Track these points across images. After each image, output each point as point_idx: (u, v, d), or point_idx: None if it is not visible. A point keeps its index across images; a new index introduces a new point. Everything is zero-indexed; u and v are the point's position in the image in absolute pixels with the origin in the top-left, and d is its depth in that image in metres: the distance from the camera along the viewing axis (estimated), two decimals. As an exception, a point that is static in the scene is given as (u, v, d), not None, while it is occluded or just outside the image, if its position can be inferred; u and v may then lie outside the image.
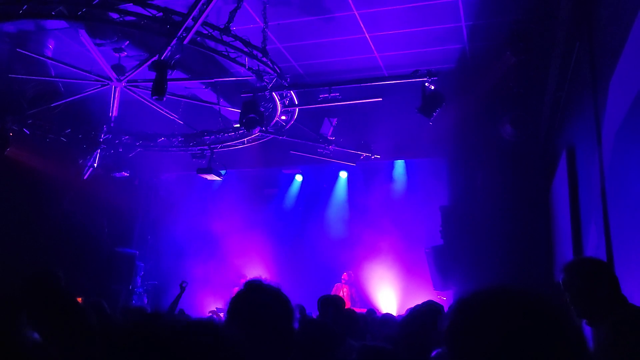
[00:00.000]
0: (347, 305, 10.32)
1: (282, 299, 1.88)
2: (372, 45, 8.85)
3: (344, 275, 11.35)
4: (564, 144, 6.89)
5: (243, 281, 11.64)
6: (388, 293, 11.48)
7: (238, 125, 8.81)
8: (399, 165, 12.13)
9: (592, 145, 5.05)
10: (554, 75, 6.67)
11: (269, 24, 7.45)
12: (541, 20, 6.93)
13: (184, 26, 5.91)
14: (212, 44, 6.94)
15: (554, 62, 6.41)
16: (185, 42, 6.13)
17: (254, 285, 1.94)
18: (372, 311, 8.72)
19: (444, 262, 9.05)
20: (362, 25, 8.18)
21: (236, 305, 1.87)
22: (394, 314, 10.88)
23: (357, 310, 10.30)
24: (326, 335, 2.76)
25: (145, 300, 12.20)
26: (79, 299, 8.83)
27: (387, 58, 9.29)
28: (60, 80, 8.80)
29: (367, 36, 8.54)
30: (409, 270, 11.15)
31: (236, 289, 11.44)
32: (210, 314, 11.08)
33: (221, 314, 10.92)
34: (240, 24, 7.22)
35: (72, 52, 8.67)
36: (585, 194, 5.74)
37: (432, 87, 7.32)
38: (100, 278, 10.86)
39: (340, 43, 8.82)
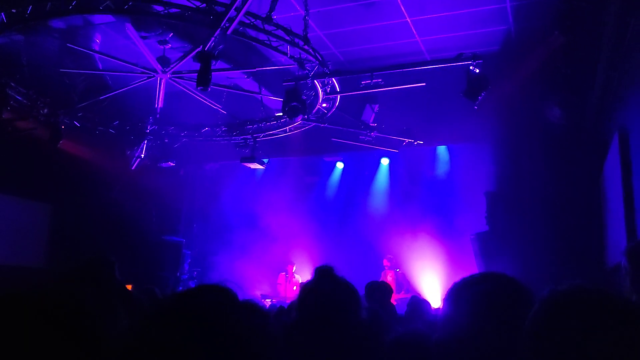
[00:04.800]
0: (394, 291, 10.30)
1: (351, 289, 1.89)
2: (413, 30, 8.72)
3: (385, 261, 11.32)
4: (616, 127, 6.63)
5: (289, 267, 11.80)
6: (432, 280, 11.39)
7: (280, 113, 8.86)
8: (442, 150, 11.95)
9: (647, 126, 4.85)
10: (605, 54, 6.41)
11: (309, 11, 7.43)
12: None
13: (227, 16, 5.97)
14: (253, 33, 6.98)
15: (606, 41, 6.16)
16: (228, 32, 6.19)
17: (324, 274, 1.95)
18: (416, 298, 8.67)
19: (489, 249, 8.90)
20: (403, 9, 8.07)
21: (308, 292, 1.89)
22: (439, 300, 10.82)
23: (405, 296, 10.31)
24: (374, 322, 2.77)
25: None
26: (130, 286, 9.09)
27: (429, 42, 9.14)
28: (108, 73, 9.05)
29: (409, 20, 8.42)
30: (453, 257, 11.01)
31: (281, 275, 11.54)
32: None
33: (267, 301, 11.08)
34: (281, 13, 7.23)
35: (118, 45, 8.89)
36: (640, 177, 5.53)
37: (477, 71, 7.16)
38: (149, 265, 11.19)
39: (381, 28, 8.73)
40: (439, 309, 7.38)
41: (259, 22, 6.58)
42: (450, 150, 11.89)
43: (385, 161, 12.67)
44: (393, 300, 9.27)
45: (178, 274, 12.15)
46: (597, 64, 6.97)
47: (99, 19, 8.05)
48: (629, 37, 5.62)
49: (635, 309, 1.06)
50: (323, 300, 1.82)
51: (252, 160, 10.38)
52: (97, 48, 8.71)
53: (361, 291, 4.94)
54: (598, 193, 8.08)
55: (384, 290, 4.92)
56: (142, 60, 8.37)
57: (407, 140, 10.45)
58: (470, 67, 7.18)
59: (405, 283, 11.35)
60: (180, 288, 12.07)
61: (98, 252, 3.81)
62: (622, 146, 6.12)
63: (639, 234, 5.64)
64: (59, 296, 1.14)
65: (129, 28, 7.20)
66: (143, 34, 7.56)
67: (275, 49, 7.02)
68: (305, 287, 1.92)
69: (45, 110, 9.50)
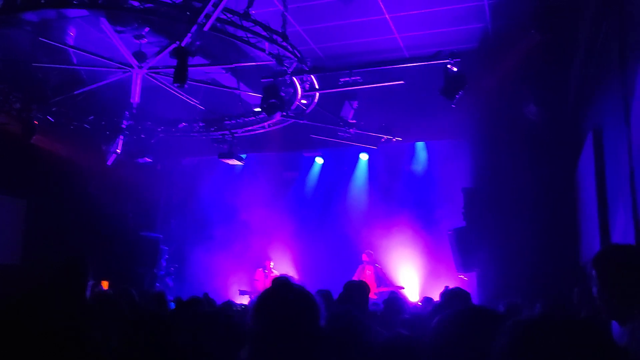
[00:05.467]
0: (373, 286, 10.37)
1: (308, 298, 1.90)
2: (392, 26, 8.73)
3: (364, 256, 11.37)
4: (590, 125, 6.74)
5: (267, 263, 11.77)
6: (411, 275, 11.49)
7: (259, 109, 8.80)
8: (420, 147, 12.04)
9: (620, 125, 4.93)
10: (580, 53, 6.51)
11: (288, 6, 7.38)
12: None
13: (204, 12, 5.89)
14: (231, 29, 6.90)
15: (581, 40, 6.26)
16: (205, 28, 6.11)
17: (281, 283, 1.96)
18: (394, 294, 8.72)
19: (466, 244, 9.00)
20: (382, 5, 8.06)
21: (263, 302, 1.90)
22: (417, 295, 10.92)
23: (385, 289, 10.39)
24: (352, 324, 2.78)
25: (171, 284, 12.41)
26: (106, 282, 8.93)
27: (408, 39, 9.16)
28: (83, 68, 8.88)
29: (388, 17, 8.41)
30: (431, 253, 11.13)
31: (259, 270, 11.51)
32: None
33: (244, 298, 11.06)
34: (260, 8, 7.16)
35: (93, 39, 8.71)
36: (613, 175, 5.63)
37: (455, 69, 7.20)
38: (126, 262, 11.06)
39: (360, 24, 8.71)
40: (416, 304, 7.39)
41: (236, 19, 6.51)
42: (428, 147, 11.99)
43: (364, 157, 12.71)
44: (373, 295, 9.36)
45: (155, 270, 12.03)
46: (572, 63, 7.07)
47: (73, 12, 7.86)
48: (602, 37, 5.71)
49: (600, 338, 1.08)
50: (276, 310, 1.84)
51: (230, 156, 10.31)
52: (71, 42, 8.52)
53: (340, 289, 4.96)
54: (573, 189, 8.22)
55: (362, 289, 4.93)
56: (118, 55, 8.22)
57: (385, 136, 10.48)
58: (448, 66, 7.21)
59: (384, 278, 11.42)
60: (158, 284, 11.97)
61: (71, 256, 3.73)
62: (596, 144, 6.22)
63: (611, 229, 5.75)
64: (45, 302, 1.13)
65: (104, 22, 7.06)
66: (118, 28, 7.41)
67: (254, 45, 6.96)
68: (259, 297, 1.94)
69: (18, 105, 9.28)
